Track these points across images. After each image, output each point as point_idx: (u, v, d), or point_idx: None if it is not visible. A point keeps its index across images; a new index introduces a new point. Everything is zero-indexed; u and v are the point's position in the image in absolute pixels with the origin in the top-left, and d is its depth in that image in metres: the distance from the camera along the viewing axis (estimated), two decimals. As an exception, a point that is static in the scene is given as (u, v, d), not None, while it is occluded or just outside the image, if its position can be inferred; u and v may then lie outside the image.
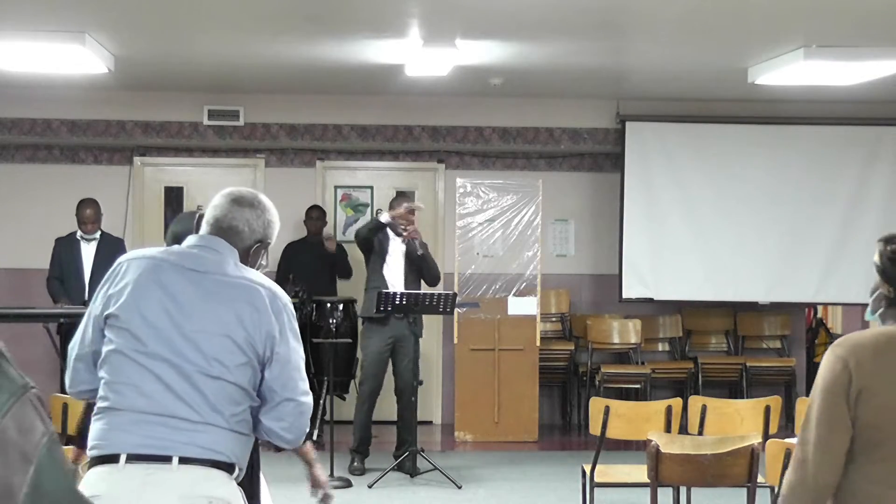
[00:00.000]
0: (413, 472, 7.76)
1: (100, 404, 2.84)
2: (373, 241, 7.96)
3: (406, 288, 7.84)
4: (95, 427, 2.83)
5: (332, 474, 7.58)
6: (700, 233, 9.75)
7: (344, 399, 9.06)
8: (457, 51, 7.14)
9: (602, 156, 10.19)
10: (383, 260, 7.98)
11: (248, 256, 3.02)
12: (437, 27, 6.78)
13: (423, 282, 8.06)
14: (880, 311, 2.89)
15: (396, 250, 7.99)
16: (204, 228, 3.01)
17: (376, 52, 7.54)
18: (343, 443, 8.09)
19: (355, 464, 7.94)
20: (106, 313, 2.88)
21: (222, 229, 2.98)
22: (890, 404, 2.77)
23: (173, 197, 10.12)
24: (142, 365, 2.80)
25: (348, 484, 7.59)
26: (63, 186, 9.64)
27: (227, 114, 9.74)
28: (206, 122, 9.75)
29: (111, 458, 2.76)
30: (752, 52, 7.50)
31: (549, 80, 8.79)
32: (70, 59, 7.13)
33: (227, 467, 2.81)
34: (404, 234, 7.89)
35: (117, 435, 2.78)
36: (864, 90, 8.42)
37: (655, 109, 9.82)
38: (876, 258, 2.90)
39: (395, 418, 8.14)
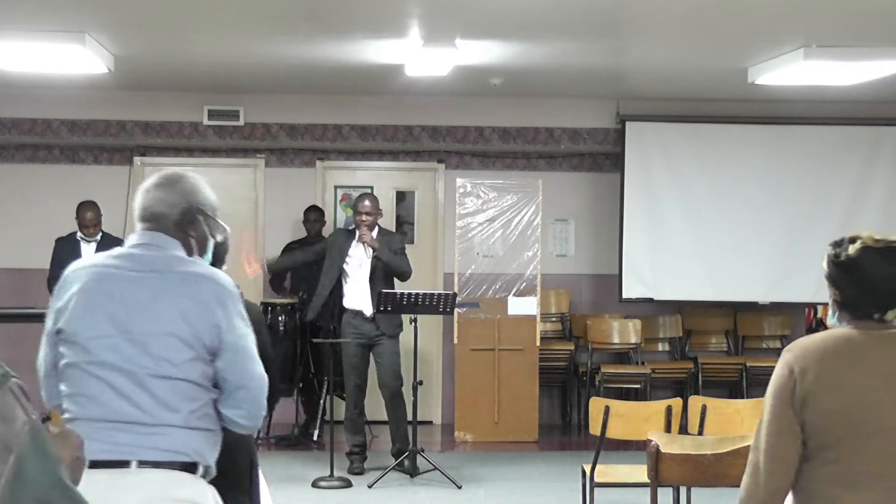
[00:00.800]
0: (413, 472, 7.76)
1: (64, 416, 2.88)
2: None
3: (373, 292, 7.76)
4: None
5: (332, 474, 7.58)
6: (700, 233, 9.75)
7: (344, 399, 9.05)
8: (457, 51, 7.14)
9: (602, 156, 10.19)
10: (341, 265, 7.91)
11: (186, 230, 2.97)
12: (437, 27, 6.78)
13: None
14: (836, 314, 2.93)
15: (358, 254, 7.93)
16: (138, 226, 3.00)
17: (376, 52, 7.54)
18: (343, 443, 8.09)
19: (354, 465, 7.94)
20: (56, 328, 2.90)
21: (148, 220, 2.97)
22: (836, 407, 2.78)
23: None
24: (95, 375, 2.82)
25: (348, 484, 7.59)
26: (63, 186, 9.64)
27: (227, 114, 9.74)
28: (206, 122, 9.75)
29: None
30: (752, 52, 7.50)
31: (549, 80, 8.79)
32: (70, 59, 7.13)
33: (191, 467, 2.82)
34: (363, 239, 7.84)
35: None
36: (864, 90, 8.42)
37: (655, 109, 9.82)
38: (823, 264, 2.93)
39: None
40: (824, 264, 2.93)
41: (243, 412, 2.90)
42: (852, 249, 2.88)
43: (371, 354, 7.96)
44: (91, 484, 2.71)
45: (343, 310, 7.95)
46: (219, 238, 3.06)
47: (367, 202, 7.94)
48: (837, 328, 2.91)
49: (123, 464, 2.75)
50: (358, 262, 7.91)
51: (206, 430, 2.87)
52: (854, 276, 2.87)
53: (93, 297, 2.87)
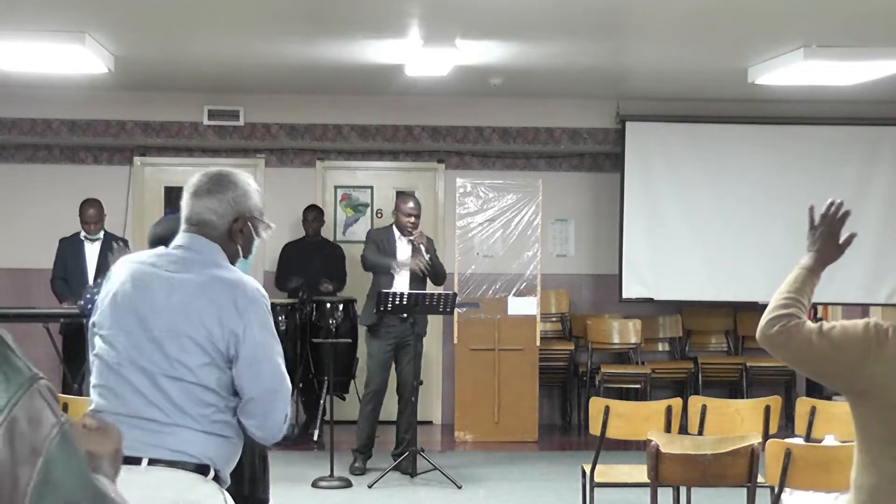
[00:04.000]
0: (413, 472, 7.76)
1: (89, 407, 2.91)
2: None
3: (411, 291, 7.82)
4: None
5: (332, 474, 7.58)
6: (700, 233, 9.75)
7: (344, 399, 9.06)
8: (457, 51, 7.14)
9: (602, 156, 10.19)
10: (391, 274, 7.96)
11: (233, 238, 2.97)
12: (437, 27, 6.78)
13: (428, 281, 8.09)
14: None
15: (404, 254, 7.98)
16: (182, 227, 3.01)
17: (376, 52, 7.54)
18: (343, 443, 8.09)
19: (356, 464, 7.94)
20: (92, 321, 2.96)
21: (195, 225, 2.96)
22: None
23: (173, 197, 10.05)
24: (116, 371, 2.84)
25: (348, 484, 7.59)
26: (63, 186, 9.64)
27: (227, 114, 9.74)
28: (206, 122, 9.75)
29: None
30: (752, 52, 7.50)
31: (549, 80, 8.79)
32: (70, 59, 7.13)
33: (201, 469, 2.81)
34: (411, 238, 7.89)
35: None
36: (864, 90, 8.42)
37: (655, 109, 9.82)
38: None
39: (395, 418, 8.15)
40: None
41: (256, 423, 2.87)
42: None
43: (395, 354, 7.97)
44: None
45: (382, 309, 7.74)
46: (264, 236, 3.05)
47: (411, 203, 7.99)
48: None
49: (135, 460, 2.75)
50: (398, 265, 7.96)
51: (222, 436, 2.85)
52: None
53: (123, 294, 2.89)
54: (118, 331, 2.86)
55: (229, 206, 2.95)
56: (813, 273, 3.00)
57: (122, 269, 2.97)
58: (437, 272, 8.02)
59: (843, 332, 2.82)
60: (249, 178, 3.07)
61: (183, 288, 2.86)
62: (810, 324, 2.85)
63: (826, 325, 2.84)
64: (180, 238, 2.98)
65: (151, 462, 2.76)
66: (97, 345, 2.91)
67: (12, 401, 1.28)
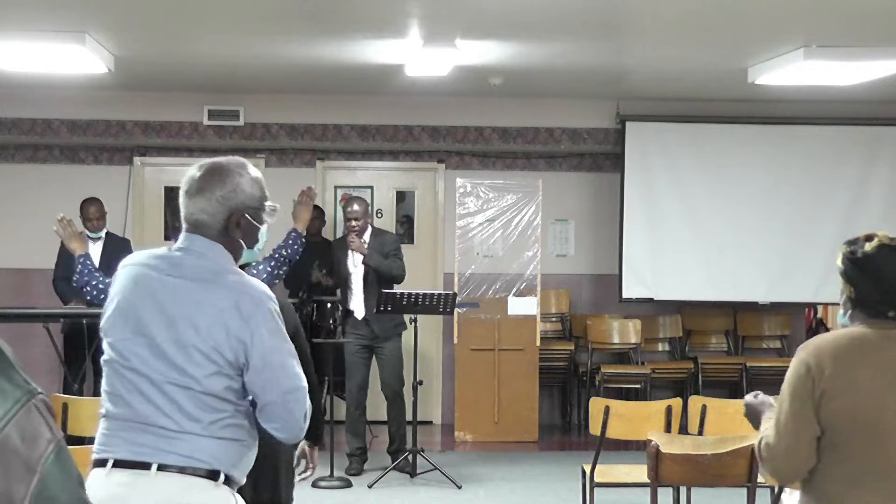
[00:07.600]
0: (413, 472, 7.76)
1: (101, 410, 2.88)
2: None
3: (366, 295, 7.78)
4: (98, 432, 2.87)
5: (332, 474, 7.58)
6: (700, 233, 9.75)
7: (344, 398, 9.05)
8: (457, 51, 7.14)
9: (602, 156, 10.19)
10: (347, 277, 7.92)
11: (230, 234, 2.89)
12: (437, 27, 6.78)
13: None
14: (848, 312, 2.92)
15: (354, 259, 7.91)
16: (183, 226, 2.94)
17: (376, 52, 7.54)
18: (343, 443, 8.09)
19: (353, 466, 7.93)
20: (101, 325, 2.90)
21: (192, 225, 2.90)
22: (847, 407, 2.78)
23: (173, 197, 10.07)
24: (125, 377, 2.80)
25: (348, 484, 7.59)
26: (63, 186, 9.64)
27: (227, 114, 9.74)
28: (206, 122, 9.75)
29: (103, 462, 2.80)
30: (752, 52, 7.50)
31: (549, 80, 8.79)
32: (70, 59, 7.13)
33: (212, 474, 2.78)
34: (351, 246, 7.80)
35: (109, 440, 2.81)
36: (864, 90, 8.42)
37: (655, 109, 9.82)
38: (838, 261, 2.94)
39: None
40: (839, 262, 2.93)
41: (277, 425, 2.84)
42: (869, 247, 2.88)
43: (374, 355, 7.98)
44: (110, 483, 2.74)
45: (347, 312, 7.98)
46: (269, 221, 2.97)
47: (355, 207, 7.87)
48: (850, 327, 2.90)
49: (144, 465, 2.74)
50: (353, 266, 7.92)
51: (232, 440, 2.82)
52: (870, 273, 2.87)
53: (125, 300, 2.84)
54: (123, 338, 2.81)
55: (219, 205, 2.88)
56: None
57: (125, 270, 2.92)
58: (385, 272, 7.80)
59: (790, 397, 2.85)
60: (246, 168, 2.98)
61: (186, 295, 2.80)
62: (767, 427, 2.92)
63: (777, 422, 2.88)
64: (181, 239, 2.92)
65: (161, 468, 2.74)
66: (105, 350, 2.87)
67: (6, 418, 1.27)
